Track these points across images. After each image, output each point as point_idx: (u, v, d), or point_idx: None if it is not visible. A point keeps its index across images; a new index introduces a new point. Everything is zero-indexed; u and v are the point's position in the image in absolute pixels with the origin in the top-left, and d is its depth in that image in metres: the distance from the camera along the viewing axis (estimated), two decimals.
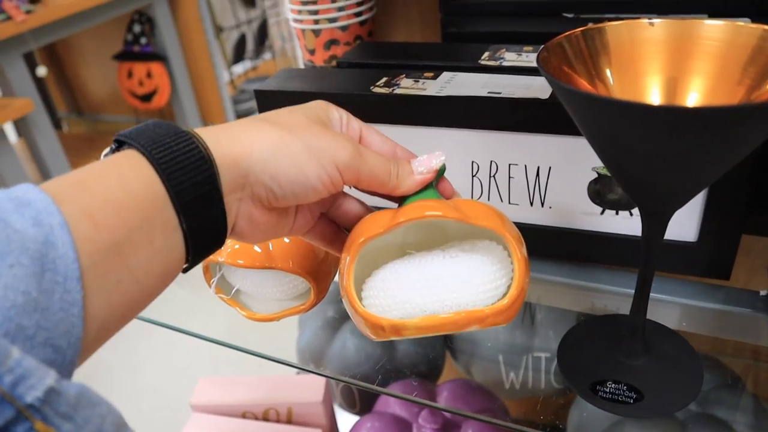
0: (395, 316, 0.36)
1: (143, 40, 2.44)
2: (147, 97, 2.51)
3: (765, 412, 0.45)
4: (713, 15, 0.59)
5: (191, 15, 2.46)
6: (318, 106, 0.38)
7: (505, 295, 0.36)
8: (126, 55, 2.49)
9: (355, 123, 0.39)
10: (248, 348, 0.59)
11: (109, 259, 0.27)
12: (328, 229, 0.42)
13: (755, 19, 0.56)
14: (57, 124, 2.90)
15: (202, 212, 0.31)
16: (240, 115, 2.72)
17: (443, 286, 0.35)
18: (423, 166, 0.38)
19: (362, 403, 0.92)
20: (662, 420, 0.52)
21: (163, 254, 0.30)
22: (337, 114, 0.39)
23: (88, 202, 0.27)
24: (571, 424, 0.55)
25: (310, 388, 0.78)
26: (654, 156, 0.31)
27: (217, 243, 0.34)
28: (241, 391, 0.79)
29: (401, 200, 0.39)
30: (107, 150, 0.33)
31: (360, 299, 0.37)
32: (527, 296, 0.60)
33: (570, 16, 0.65)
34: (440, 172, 0.39)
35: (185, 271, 0.34)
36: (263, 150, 0.33)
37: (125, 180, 0.29)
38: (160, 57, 2.45)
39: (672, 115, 0.29)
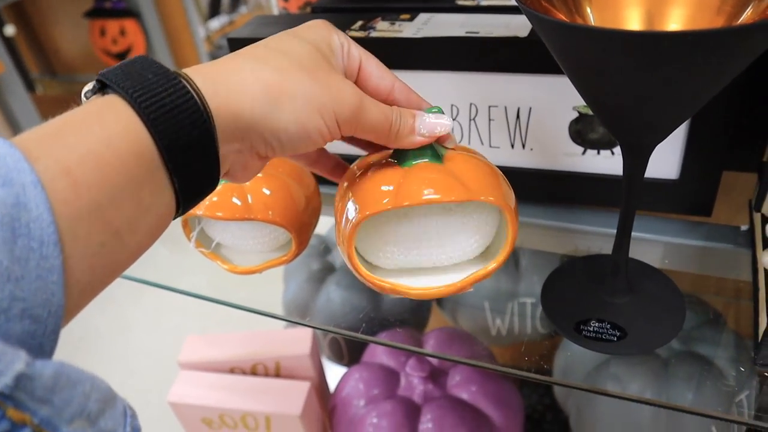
0: (389, 266, 0.41)
1: None
2: (121, 56, 2.45)
3: (746, 347, 0.46)
4: None
5: None
6: (319, 32, 0.36)
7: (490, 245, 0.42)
8: (97, 12, 2.42)
9: (355, 50, 0.37)
10: (234, 302, 0.59)
11: (91, 222, 0.25)
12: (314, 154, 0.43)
13: None
14: (30, 86, 2.83)
15: (195, 168, 0.29)
16: None
17: (437, 246, 0.39)
18: (426, 129, 0.37)
19: (350, 354, 0.93)
20: (646, 358, 0.53)
21: (151, 212, 0.28)
22: (338, 41, 0.36)
23: (64, 156, 0.24)
24: (558, 366, 0.56)
25: (297, 342, 0.78)
26: (635, 86, 0.31)
27: (209, 192, 0.32)
28: (229, 348, 0.79)
29: (397, 151, 0.39)
30: (88, 88, 0.29)
31: (356, 248, 0.40)
32: None
33: None
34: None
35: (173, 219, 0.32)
36: (265, 103, 0.31)
37: (108, 133, 0.26)
38: (133, 13, 2.39)
39: (652, 41, 0.28)
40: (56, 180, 0.24)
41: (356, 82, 0.37)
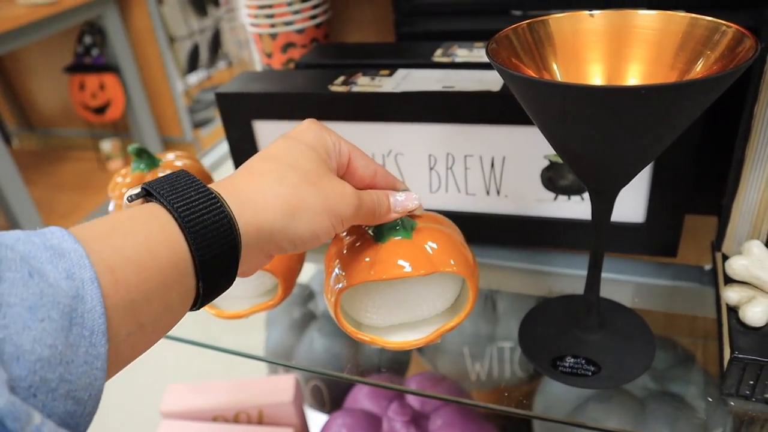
0: (372, 324, 0.47)
1: (95, 52, 2.41)
2: (100, 110, 2.47)
3: (713, 377, 0.48)
4: (652, 8, 0.62)
5: (143, 25, 2.44)
6: (314, 136, 0.40)
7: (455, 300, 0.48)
8: (77, 68, 2.45)
9: (345, 147, 0.42)
10: (219, 346, 0.60)
11: (124, 315, 0.28)
12: None
13: (690, 11, 0.60)
14: (6, 139, 2.83)
15: (219, 277, 0.33)
16: (196, 125, 2.71)
17: (412, 306, 0.45)
18: (400, 207, 0.43)
19: (332, 401, 0.93)
20: (623, 399, 0.55)
21: (174, 311, 0.31)
22: (330, 141, 0.40)
23: (111, 257, 0.27)
24: (537, 408, 0.57)
25: (280, 389, 0.79)
26: (597, 135, 0.34)
27: (223, 292, 0.35)
28: (211, 396, 0.79)
29: (374, 225, 0.44)
30: (133, 192, 0.33)
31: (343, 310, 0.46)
32: (489, 284, 0.62)
33: (518, 13, 0.67)
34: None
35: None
36: (284, 217, 0.35)
37: (151, 241, 0.29)
38: (112, 68, 2.42)
39: (610, 94, 0.31)
40: (102, 277, 0.27)
41: (345, 173, 0.42)
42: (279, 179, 0.36)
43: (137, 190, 0.33)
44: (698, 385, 0.48)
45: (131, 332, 0.28)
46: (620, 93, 0.31)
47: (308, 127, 0.41)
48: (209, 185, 0.34)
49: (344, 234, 0.47)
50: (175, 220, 0.30)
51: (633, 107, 0.31)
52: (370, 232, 0.45)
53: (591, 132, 0.34)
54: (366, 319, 0.47)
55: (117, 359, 0.28)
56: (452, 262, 0.43)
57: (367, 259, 0.43)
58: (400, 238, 0.44)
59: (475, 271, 0.46)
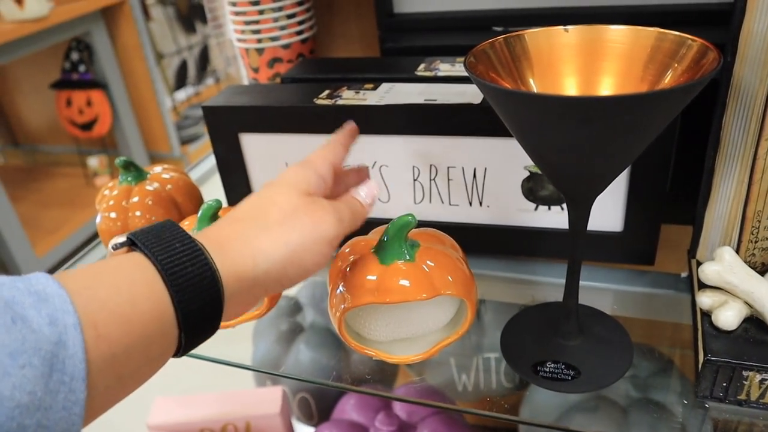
0: (374, 338, 0.49)
1: (82, 68, 2.41)
2: (88, 126, 2.47)
3: (690, 387, 0.49)
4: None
5: (131, 42, 2.45)
6: (297, 176, 0.41)
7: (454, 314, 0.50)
8: (64, 84, 2.45)
9: (330, 171, 0.43)
10: (206, 356, 0.60)
11: (103, 370, 0.28)
12: None
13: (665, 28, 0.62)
14: None
15: (202, 328, 0.33)
16: (184, 141, 2.71)
17: (414, 323, 0.48)
18: (369, 200, 0.45)
19: (319, 414, 0.93)
20: (606, 406, 0.56)
21: (154, 362, 0.31)
22: (314, 177, 0.41)
23: (94, 310, 0.28)
24: (523, 415, 0.58)
25: (268, 401, 0.79)
26: (571, 144, 0.35)
27: (204, 341, 0.35)
28: (198, 408, 0.80)
29: (378, 248, 0.47)
30: (117, 241, 0.33)
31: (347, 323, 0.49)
32: None
33: (499, 29, 0.69)
34: (411, 224, 0.46)
35: None
36: (268, 263, 0.36)
37: (134, 294, 0.29)
38: (100, 84, 2.42)
39: (584, 104, 0.32)
40: (85, 331, 0.27)
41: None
42: (263, 225, 0.37)
43: (122, 238, 0.33)
44: (675, 388, 0.49)
45: (109, 385, 0.28)
46: (593, 103, 0.33)
47: (292, 170, 0.42)
48: (193, 235, 0.34)
49: (348, 251, 0.49)
50: (160, 273, 0.31)
51: (605, 117, 0.32)
52: (374, 254, 0.47)
53: (566, 141, 0.35)
54: (368, 334, 0.49)
55: (92, 409, 0.28)
56: (452, 283, 0.45)
57: (372, 281, 0.45)
58: (402, 261, 0.45)
59: (473, 290, 0.47)
